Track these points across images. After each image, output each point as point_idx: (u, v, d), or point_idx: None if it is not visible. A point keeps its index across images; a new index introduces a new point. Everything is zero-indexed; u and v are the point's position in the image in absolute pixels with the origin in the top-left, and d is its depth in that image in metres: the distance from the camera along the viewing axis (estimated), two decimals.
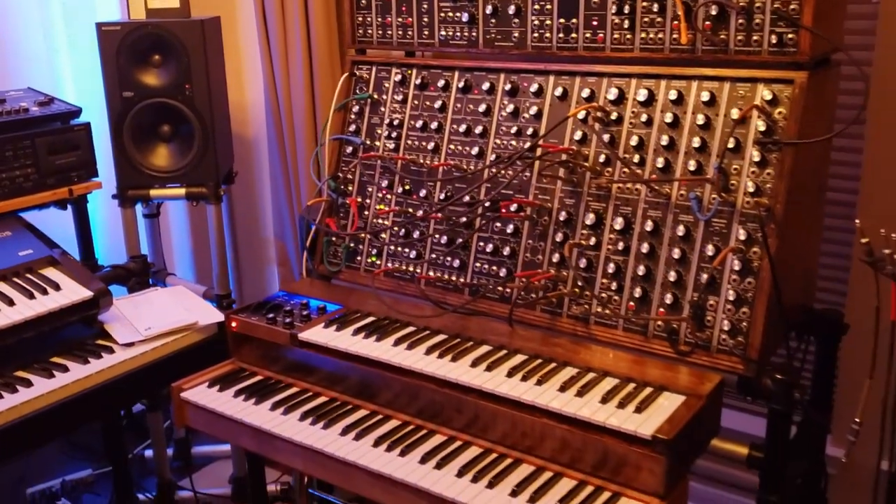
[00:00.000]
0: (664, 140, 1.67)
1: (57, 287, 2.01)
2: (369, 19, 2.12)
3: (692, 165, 1.63)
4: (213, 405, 1.77)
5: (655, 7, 1.67)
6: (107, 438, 2.61)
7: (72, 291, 2.00)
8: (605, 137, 1.74)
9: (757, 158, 1.56)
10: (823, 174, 1.81)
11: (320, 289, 2.06)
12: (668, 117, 1.67)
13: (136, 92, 2.50)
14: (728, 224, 1.59)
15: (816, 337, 1.83)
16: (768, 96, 1.56)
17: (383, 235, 2.05)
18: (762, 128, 1.56)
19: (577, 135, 1.78)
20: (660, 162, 1.67)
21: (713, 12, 1.60)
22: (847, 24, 2.16)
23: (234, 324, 1.91)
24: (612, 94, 1.74)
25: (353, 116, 2.15)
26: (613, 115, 1.74)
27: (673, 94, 1.67)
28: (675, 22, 1.64)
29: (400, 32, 2.07)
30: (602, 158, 1.75)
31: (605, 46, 1.76)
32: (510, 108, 1.88)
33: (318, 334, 1.78)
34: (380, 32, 2.11)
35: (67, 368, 1.88)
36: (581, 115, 1.76)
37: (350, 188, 2.13)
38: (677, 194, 1.65)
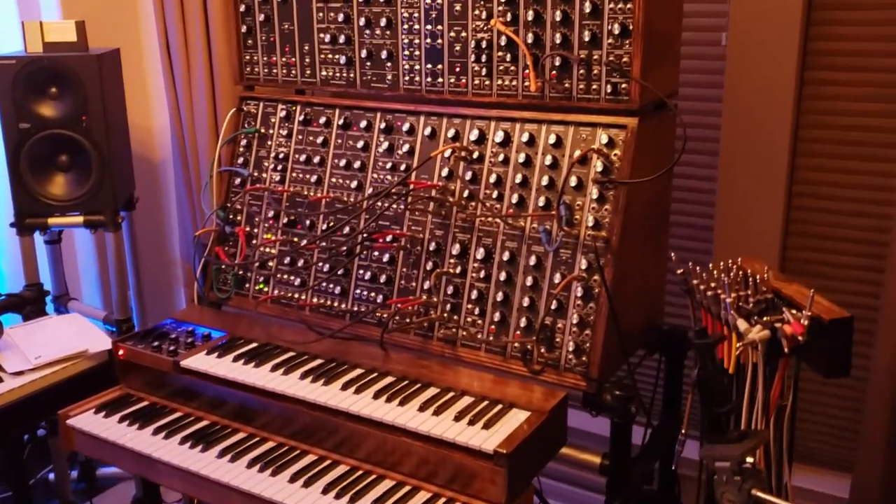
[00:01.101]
0: (518, 178, 1.82)
1: None
2: (256, 58, 2.23)
3: (542, 201, 1.79)
4: (98, 431, 1.84)
5: (508, 57, 1.83)
6: (6, 462, 2.63)
7: None
8: (468, 175, 1.89)
9: (596, 196, 1.73)
10: (664, 206, 1.99)
11: (209, 316, 2.15)
12: (522, 157, 1.82)
13: (33, 123, 2.55)
14: (573, 254, 1.75)
15: (664, 353, 2.01)
16: (605, 139, 1.73)
17: (270, 264, 2.16)
18: (600, 168, 1.73)
19: (445, 171, 1.92)
20: (515, 198, 1.82)
21: (557, 63, 1.77)
22: (699, 64, 2.39)
23: (121, 351, 1.99)
24: (475, 135, 1.89)
25: (241, 149, 2.25)
26: (475, 154, 1.89)
27: (525, 137, 1.83)
28: (526, 71, 1.81)
29: (285, 71, 2.19)
30: (466, 193, 1.89)
31: (468, 91, 1.91)
32: (385, 145, 2.02)
33: (199, 361, 1.88)
34: (266, 70, 2.22)
35: None
36: (447, 153, 1.91)
37: (239, 218, 2.23)
38: (530, 227, 1.81)
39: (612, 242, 1.70)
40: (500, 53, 1.84)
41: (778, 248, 2.38)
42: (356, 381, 1.77)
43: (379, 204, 1.99)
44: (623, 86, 1.72)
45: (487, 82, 1.88)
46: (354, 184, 2.06)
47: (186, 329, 2.05)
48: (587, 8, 1.70)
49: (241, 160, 2.24)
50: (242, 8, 2.19)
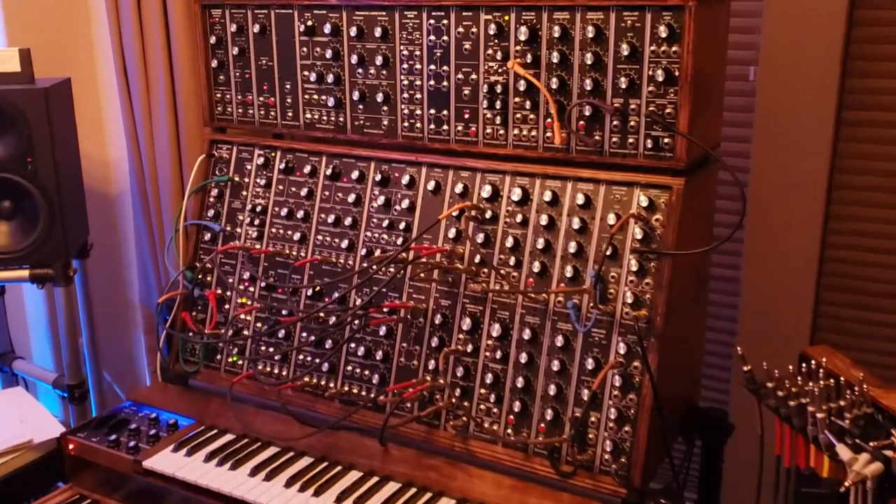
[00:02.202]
0: (540, 243, 1.56)
1: None
2: (228, 96, 1.94)
3: (569, 272, 1.53)
4: None
5: (528, 104, 1.57)
6: None
7: None
8: (480, 237, 1.62)
9: (635, 268, 1.48)
10: (705, 269, 1.75)
11: (174, 396, 1.85)
12: (544, 219, 1.56)
13: None
14: (608, 335, 1.50)
15: (701, 437, 1.76)
16: (645, 202, 1.48)
17: (245, 332, 1.87)
18: (639, 235, 1.47)
19: (452, 232, 1.65)
20: (536, 266, 1.56)
21: (587, 112, 1.51)
22: (726, 101, 2.15)
23: (71, 446, 1.69)
24: (486, 191, 1.63)
25: (212, 199, 1.96)
26: (488, 214, 1.63)
27: (548, 195, 1.57)
28: (549, 120, 1.55)
29: (262, 112, 1.91)
30: (478, 259, 1.63)
31: (478, 141, 1.64)
32: (381, 199, 1.75)
33: (164, 461, 1.59)
34: (240, 111, 1.94)
35: None
36: (455, 213, 1.64)
37: (209, 279, 1.94)
38: (555, 300, 1.55)
39: (656, 323, 1.45)
40: (517, 99, 1.58)
41: (811, 302, 2.15)
42: (353, 490, 1.49)
43: (374, 271, 1.71)
44: (665, 140, 1.47)
45: (502, 132, 1.61)
46: (345, 243, 1.78)
47: (149, 415, 1.75)
48: (624, 50, 1.45)
49: (211, 212, 1.95)
50: (213, 40, 1.91)
